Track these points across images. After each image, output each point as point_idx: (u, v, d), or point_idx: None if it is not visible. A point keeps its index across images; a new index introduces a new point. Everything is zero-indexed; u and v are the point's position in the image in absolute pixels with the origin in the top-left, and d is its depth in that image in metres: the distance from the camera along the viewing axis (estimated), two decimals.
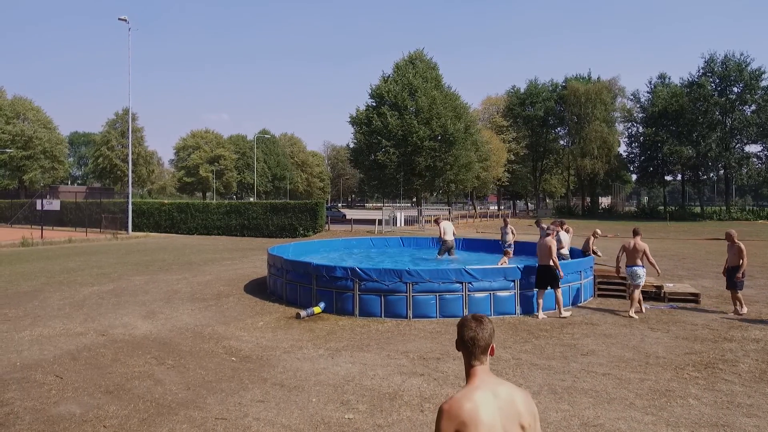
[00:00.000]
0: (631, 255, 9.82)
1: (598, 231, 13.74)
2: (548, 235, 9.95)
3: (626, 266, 9.96)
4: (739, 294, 9.77)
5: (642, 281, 9.70)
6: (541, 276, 9.60)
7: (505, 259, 11.52)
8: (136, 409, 5.27)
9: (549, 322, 9.15)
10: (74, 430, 4.81)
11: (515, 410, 2.04)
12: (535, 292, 9.69)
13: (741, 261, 9.69)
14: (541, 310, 9.53)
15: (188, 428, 4.83)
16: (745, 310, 9.74)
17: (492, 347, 2.15)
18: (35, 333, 8.24)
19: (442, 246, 14.86)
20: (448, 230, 14.76)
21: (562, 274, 9.62)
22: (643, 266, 9.74)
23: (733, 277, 9.74)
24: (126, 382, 6.03)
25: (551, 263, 9.50)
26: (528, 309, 9.73)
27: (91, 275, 14.41)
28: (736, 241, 9.88)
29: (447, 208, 49.75)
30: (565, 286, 10.16)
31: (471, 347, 2.12)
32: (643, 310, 9.90)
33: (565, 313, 9.53)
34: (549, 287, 9.55)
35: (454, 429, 1.97)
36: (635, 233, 10.06)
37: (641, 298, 9.92)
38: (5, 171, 63.77)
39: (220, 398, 5.56)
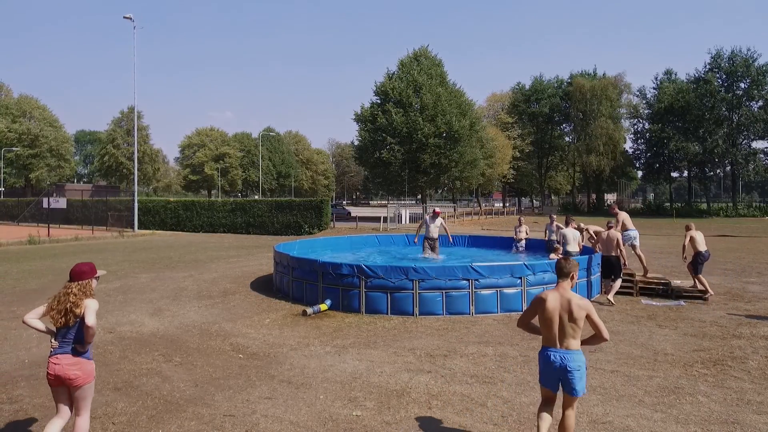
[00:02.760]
0: (629, 222, 12.35)
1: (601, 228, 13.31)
2: (611, 228, 10.94)
3: (624, 231, 12.08)
4: (700, 276, 10.77)
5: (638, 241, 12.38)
6: (605, 266, 10.74)
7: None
8: (144, 406, 5.28)
9: None
10: None
11: (568, 306, 3.92)
12: (600, 280, 10.90)
13: (689, 249, 11.03)
14: (610, 296, 10.43)
15: (196, 425, 4.84)
16: (710, 294, 10.67)
17: (573, 276, 4.06)
18: None
19: (425, 243, 14.13)
20: (434, 227, 14.04)
21: (625, 264, 10.81)
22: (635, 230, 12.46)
23: (695, 263, 10.82)
24: (134, 379, 6.05)
25: (614, 254, 10.58)
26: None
27: None
28: (686, 232, 11.14)
29: (452, 205, 49.70)
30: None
31: (558, 271, 4.09)
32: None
33: (614, 300, 10.39)
34: (612, 276, 10.61)
35: (535, 305, 4.07)
36: (620, 207, 12.81)
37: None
38: (12, 169, 64.15)
39: (227, 395, 5.57)
